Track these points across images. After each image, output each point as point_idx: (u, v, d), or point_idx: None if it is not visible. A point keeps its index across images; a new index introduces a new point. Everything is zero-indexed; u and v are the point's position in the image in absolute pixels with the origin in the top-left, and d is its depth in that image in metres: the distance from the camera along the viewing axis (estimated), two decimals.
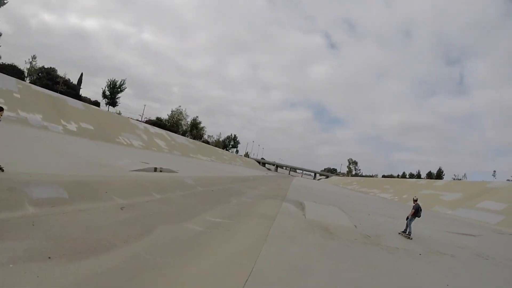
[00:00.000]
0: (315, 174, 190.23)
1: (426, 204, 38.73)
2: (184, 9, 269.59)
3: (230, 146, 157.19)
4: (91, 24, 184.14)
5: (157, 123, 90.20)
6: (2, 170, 7.74)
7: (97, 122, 45.12)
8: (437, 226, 20.36)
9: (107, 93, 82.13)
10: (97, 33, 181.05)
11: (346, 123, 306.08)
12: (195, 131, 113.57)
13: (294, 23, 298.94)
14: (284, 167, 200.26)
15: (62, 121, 36.54)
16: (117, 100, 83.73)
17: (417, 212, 13.61)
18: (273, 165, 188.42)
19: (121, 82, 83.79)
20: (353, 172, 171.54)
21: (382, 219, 19.62)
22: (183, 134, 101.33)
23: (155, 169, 18.40)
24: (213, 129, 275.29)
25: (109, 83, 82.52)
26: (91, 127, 41.48)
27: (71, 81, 77.68)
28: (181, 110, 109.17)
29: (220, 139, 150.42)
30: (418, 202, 13.84)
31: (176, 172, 20.50)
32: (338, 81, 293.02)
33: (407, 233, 13.63)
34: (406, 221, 13.98)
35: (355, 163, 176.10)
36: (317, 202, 22.08)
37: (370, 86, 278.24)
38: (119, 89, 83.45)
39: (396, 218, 21.40)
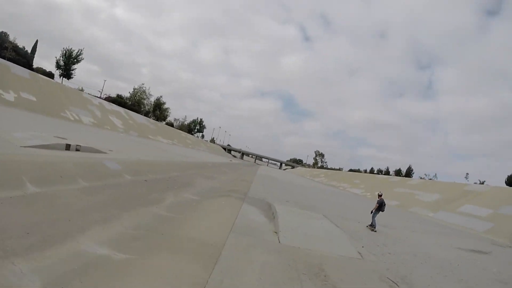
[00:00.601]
0: (281, 164, 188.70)
1: (403, 204, 36.03)
2: None
3: (196, 130, 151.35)
4: None
5: (117, 100, 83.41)
6: None
7: (42, 93, 39.89)
8: (439, 239, 16.77)
9: (61, 63, 73.27)
10: (68, 5, 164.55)
11: (314, 116, 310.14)
12: (158, 112, 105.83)
13: (270, 11, 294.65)
14: (250, 155, 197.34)
15: None
16: (72, 72, 74.95)
17: (380, 206, 14.41)
18: (239, 152, 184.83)
19: (78, 52, 75.00)
20: (319, 164, 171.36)
21: (382, 231, 14.53)
22: (146, 114, 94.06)
23: (68, 147, 13.31)
24: (180, 113, 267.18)
25: (64, 52, 73.43)
26: (34, 99, 36.56)
27: (25, 49, 69.85)
28: (144, 88, 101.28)
29: (185, 123, 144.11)
30: (383, 197, 14.67)
31: (105, 153, 15.72)
32: (309, 74, 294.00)
33: (373, 226, 14.36)
34: (370, 215, 14.57)
35: (322, 155, 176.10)
36: (290, 201, 17.35)
37: (341, 82, 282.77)
38: (75, 60, 74.72)
39: (398, 227, 17.36)
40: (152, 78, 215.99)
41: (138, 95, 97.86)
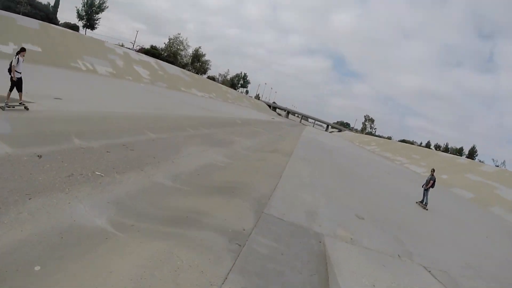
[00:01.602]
0: (327, 126, 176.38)
1: (479, 199, 25.53)
2: None
3: (239, 85, 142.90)
4: None
5: (150, 51, 76.80)
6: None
7: (52, 44, 35.16)
8: None
9: (82, 13, 66.26)
10: None
11: (363, 78, 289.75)
12: (197, 64, 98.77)
13: None
14: (296, 114, 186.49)
15: None
16: (96, 22, 68.30)
17: (433, 183, 14.26)
18: (284, 110, 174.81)
19: (100, 0, 67.96)
20: (367, 130, 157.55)
21: None
22: (183, 67, 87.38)
23: None
24: (225, 69, 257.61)
25: (85, 0, 66.27)
26: (39, 49, 32.15)
27: (50, 5, 63.65)
28: (180, 39, 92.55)
29: (228, 77, 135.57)
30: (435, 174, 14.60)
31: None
32: (360, 33, 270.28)
33: (424, 203, 14.14)
34: (423, 191, 14.38)
35: (372, 120, 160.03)
36: (359, 216, 9.47)
37: (394, 44, 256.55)
38: (98, 9, 67.65)
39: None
40: (197, 34, 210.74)
41: (175, 46, 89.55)
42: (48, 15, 59.76)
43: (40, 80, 16.22)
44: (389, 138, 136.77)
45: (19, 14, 44.16)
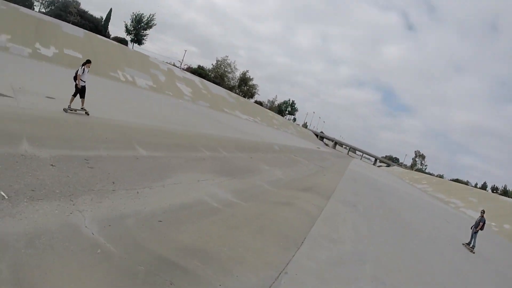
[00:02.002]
0: (375, 160, 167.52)
1: None
2: None
3: (287, 112, 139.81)
4: None
5: (197, 71, 76.17)
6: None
7: (93, 52, 35.43)
8: None
9: (130, 28, 67.36)
10: None
11: (413, 112, 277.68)
12: (244, 87, 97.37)
13: None
14: (343, 146, 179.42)
15: (38, 44, 29.50)
16: (144, 38, 69.30)
17: (483, 225, 13.68)
18: (332, 141, 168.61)
19: (149, 16, 68.85)
20: (418, 167, 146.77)
21: None
22: (230, 89, 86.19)
23: None
24: (274, 96, 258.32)
25: (133, 16, 67.73)
26: (79, 55, 32.14)
27: (94, 16, 65.08)
28: (228, 61, 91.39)
29: (276, 103, 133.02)
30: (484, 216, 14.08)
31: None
32: (410, 66, 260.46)
33: (471, 246, 13.54)
34: (471, 233, 13.80)
35: (423, 157, 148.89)
36: None
37: (444, 78, 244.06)
38: (145, 25, 68.59)
39: None
40: (248, 60, 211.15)
41: (222, 68, 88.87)
42: (98, 27, 60.51)
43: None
44: (441, 176, 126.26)
45: (69, 23, 44.39)
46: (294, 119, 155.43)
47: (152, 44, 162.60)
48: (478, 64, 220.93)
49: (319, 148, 55.58)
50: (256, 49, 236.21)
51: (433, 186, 70.03)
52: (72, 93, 10.02)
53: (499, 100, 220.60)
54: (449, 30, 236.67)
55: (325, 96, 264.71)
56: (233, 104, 63.60)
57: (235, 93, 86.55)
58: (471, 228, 13.91)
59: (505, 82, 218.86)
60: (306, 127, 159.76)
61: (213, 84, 66.20)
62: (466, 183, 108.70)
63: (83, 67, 10.30)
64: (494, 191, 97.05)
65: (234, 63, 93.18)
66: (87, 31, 42.86)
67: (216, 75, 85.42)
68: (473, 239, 13.57)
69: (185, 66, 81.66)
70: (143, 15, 67.91)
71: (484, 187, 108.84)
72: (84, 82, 10.25)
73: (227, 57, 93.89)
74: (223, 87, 78.41)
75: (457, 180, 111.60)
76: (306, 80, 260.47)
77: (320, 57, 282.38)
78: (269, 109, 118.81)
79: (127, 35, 67.23)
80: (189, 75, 58.67)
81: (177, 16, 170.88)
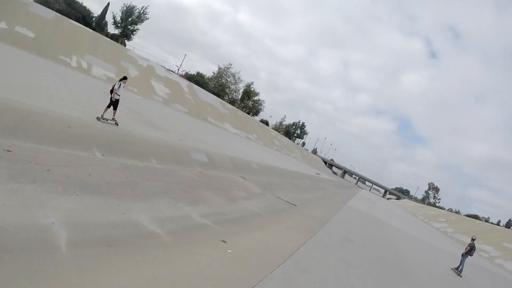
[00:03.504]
0: (385, 191, 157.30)
1: None
2: None
3: (295, 135, 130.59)
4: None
5: (194, 78, 68.50)
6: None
7: (53, 34, 32.01)
8: None
9: (117, 19, 59.94)
10: (195, 9, 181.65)
11: (428, 143, 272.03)
12: (248, 102, 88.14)
13: (394, 21, 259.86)
14: (353, 175, 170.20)
15: None
16: (133, 32, 62.07)
17: (471, 250, 14.54)
18: (341, 169, 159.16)
19: (141, 9, 61.37)
20: (430, 200, 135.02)
21: None
22: (232, 103, 78.39)
23: None
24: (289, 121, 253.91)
25: (123, 8, 60.21)
26: (31, 35, 29.11)
27: (85, 7, 58.53)
28: (232, 71, 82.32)
29: (284, 123, 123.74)
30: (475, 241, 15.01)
31: None
32: (431, 95, 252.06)
33: (459, 270, 14.17)
34: (460, 258, 14.61)
35: (437, 189, 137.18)
36: None
37: (464, 107, 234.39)
38: (137, 19, 61.05)
39: None
40: (268, 82, 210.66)
41: (224, 77, 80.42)
42: (85, 19, 53.21)
43: None
44: (457, 212, 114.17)
45: (53, 10, 40.05)
46: (303, 144, 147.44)
47: (178, 59, 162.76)
48: (498, 93, 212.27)
49: (318, 174, 46.15)
50: (277, 72, 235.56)
51: (453, 225, 58.58)
52: (107, 105, 11.05)
53: None
54: (472, 58, 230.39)
55: (340, 123, 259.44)
56: (224, 115, 55.23)
57: (237, 107, 78.37)
58: (462, 255, 14.63)
59: None
60: (315, 153, 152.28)
61: (205, 91, 57.96)
62: (487, 220, 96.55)
63: (119, 82, 11.30)
64: None
65: (238, 73, 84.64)
66: (60, 15, 37.88)
67: (216, 86, 76.82)
68: (461, 264, 14.34)
69: (183, 72, 74.04)
70: (134, 8, 60.78)
71: (508, 225, 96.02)
72: (119, 96, 11.22)
73: (231, 65, 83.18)
74: (223, 100, 70.92)
75: (475, 217, 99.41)
76: (323, 107, 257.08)
77: (340, 83, 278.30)
78: (276, 130, 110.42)
79: (115, 28, 59.97)
80: (175, 77, 50.92)
81: (203, 34, 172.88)
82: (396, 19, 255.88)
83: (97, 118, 10.43)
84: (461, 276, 13.74)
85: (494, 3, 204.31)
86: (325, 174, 69.04)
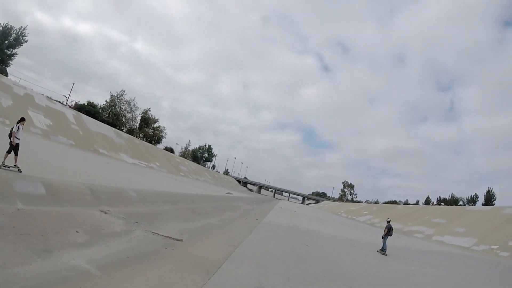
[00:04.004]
0: (303, 198, 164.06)
1: None
2: (177, 21, 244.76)
3: (203, 159, 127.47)
4: (84, 28, 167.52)
5: (84, 108, 61.47)
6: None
7: None
8: None
9: None
10: (90, 39, 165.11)
11: (334, 147, 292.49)
12: (147, 129, 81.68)
13: (287, 42, 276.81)
14: (269, 189, 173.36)
15: None
16: (11, 58, 52.75)
17: (389, 231, 16.50)
18: (255, 185, 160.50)
19: (19, 29, 52.79)
20: (348, 197, 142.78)
21: None
22: (130, 132, 71.88)
23: None
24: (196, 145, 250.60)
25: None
26: None
27: None
28: (126, 98, 74.95)
29: (189, 148, 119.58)
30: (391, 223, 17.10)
31: None
32: (329, 104, 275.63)
33: (383, 250, 16.10)
34: (382, 240, 16.62)
35: (351, 186, 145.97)
36: None
37: (361, 110, 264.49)
38: (14, 42, 51.96)
39: None
40: (172, 111, 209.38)
41: (119, 105, 73.30)
42: None
43: None
44: (376, 202, 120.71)
45: None
46: (214, 166, 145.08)
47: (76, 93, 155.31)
48: (389, 93, 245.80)
49: (230, 194, 43.64)
50: (180, 99, 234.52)
51: (378, 216, 60.31)
52: (7, 150, 9.93)
53: (411, 122, 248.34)
54: (361, 66, 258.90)
55: (248, 142, 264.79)
56: (120, 145, 49.45)
57: (137, 137, 72.56)
58: (382, 237, 16.74)
59: (414, 106, 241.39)
60: (227, 174, 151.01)
61: (97, 122, 51.47)
62: (406, 203, 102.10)
63: (17, 124, 10.33)
64: (440, 203, 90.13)
65: (133, 100, 77.33)
66: None
67: (110, 115, 70.13)
68: (383, 244, 16.33)
69: (73, 103, 66.37)
70: (12, 28, 52.24)
71: (425, 202, 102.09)
72: (19, 139, 10.27)
73: (124, 91, 75.81)
74: (121, 129, 64.96)
75: (394, 202, 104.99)
76: (230, 128, 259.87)
77: (243, 104, 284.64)
78: (183, 156, 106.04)
79: None
80: (58, 106, 44.25)
81: (100, 65, 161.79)
82: (289, 39, 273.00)
83: None
84: (386, 255, 15.93)
85: (375, 17, 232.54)
86: (239, 192, 66.74)
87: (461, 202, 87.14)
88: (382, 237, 16.64)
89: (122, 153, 46.39)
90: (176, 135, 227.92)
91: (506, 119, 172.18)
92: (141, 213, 10.66)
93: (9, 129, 10.19)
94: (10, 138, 10.01)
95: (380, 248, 16.46)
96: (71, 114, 44.31)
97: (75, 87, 67.45)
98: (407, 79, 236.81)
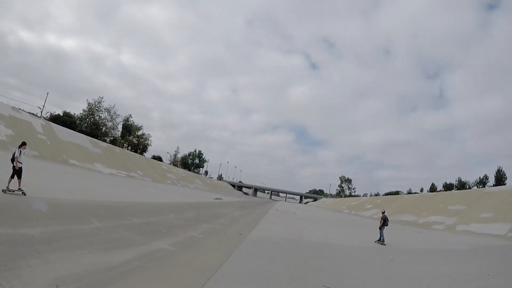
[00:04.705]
0: (301, 197, 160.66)
1: None
2: (162, 30, 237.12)
3: (194, 165, 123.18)
4: (69, 44, 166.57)
5: (60, 119, 57.50)
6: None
7: None
8: None
9: None
10: (76, 54, 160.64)
11: (327, 144, 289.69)
12: (130, 137, 77.15)
13: (272, 43, 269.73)
14: (265, 191, 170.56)
15: None
16: None
17: (385, 221, 16.81)
18: (251, 188, 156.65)
19: None
20: (346, 192, 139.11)
21: None
22: (112, 142, 67.57)
23: None
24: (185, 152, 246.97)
25: None
26: None
27: None
28: (102, 104, 69.92)
29: (178, 155, 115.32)
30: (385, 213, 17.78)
31: None
32: (319, 102, 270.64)
33: (381, 240, 16.41)
34: (379, 231, 16.82)
35: (349, 180, 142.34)
36: None
37: (351, 105, 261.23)
38: None
39: None
40: (162, 121, 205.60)
41: (97, 114, 68.52)
42: None
43: None
44: (377, 194, 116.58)
45: None
46: (206, 172, 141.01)
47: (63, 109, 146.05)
48: (378, 86, 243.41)
49: (220, 199, 39.64)
50: (169, 109, 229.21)
51: (383, 208, 55.52)
52: (11, 175, 10.04)
53: (402, 113, 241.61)
54: (348, 62, 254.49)
55: (241, 146, 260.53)
56: (97, 155, 45.11)
57: (120, 146, 68.28)
58: (379, 228, 16.92)
59: (404, 96, 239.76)
60: (221, 179, 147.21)
61: (70, 131, 47.03)
62: (410, 192, 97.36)
63: (19, 149, 10.47)
64: (447, 189, 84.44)
65: (113, 107, 72.35)
66: None
67: (89, 125, 65.72)
68: (380, 235, 16.66)
69: (48, 114, 62.05)
70: None
71: (430, 189, 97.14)
72: (21, 163, 10.32)
73: (102, 98, 70.92)
74: (104, 140, 60.79)
75: (396, 193, 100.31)
76: (222, 134, 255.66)
77: (233, 109, 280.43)
78: (173, 164, 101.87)
79: None
80: (25, 116, 40.14)
81: (88, 80, 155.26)
82: (274, 40, 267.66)
83: (2, 190, 9.33)
84: (384, 244, 16.17)
85: (358, 11, 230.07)
86: (232, 197, 62.67)
87: (467, 186, 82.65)
88: (379, 228, 16.94)
89: (98, 163, 42.17)
90: (168, 144, 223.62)
91: (494, 101, 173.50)
92: (34, 236, 6.61)
93: (14, 154, 10.12)
94: (13, 163, 10.08)
95: (378, 239, 16.74)
96: (39, 123, 40.19)
97: (64, 104, 63.50)
98: (394, 71, 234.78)
